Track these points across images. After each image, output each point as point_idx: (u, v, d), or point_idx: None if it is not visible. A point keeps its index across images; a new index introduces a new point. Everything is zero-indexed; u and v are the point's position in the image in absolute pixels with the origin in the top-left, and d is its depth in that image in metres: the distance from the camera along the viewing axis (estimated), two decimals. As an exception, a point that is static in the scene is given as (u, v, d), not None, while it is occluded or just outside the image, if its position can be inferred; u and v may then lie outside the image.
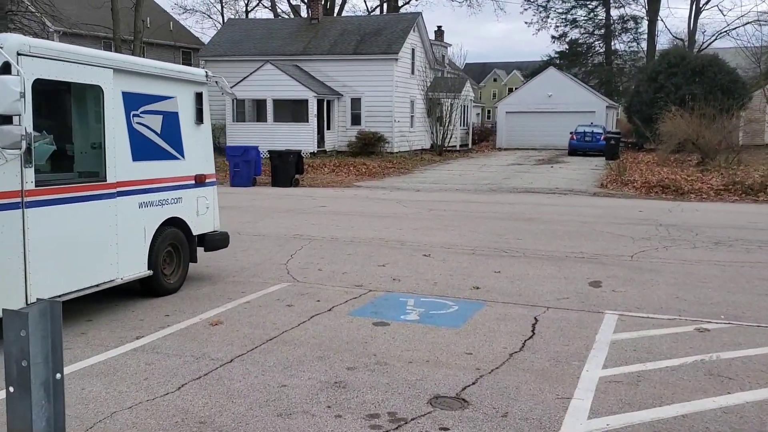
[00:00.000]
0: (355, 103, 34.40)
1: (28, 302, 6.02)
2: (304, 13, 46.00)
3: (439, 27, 46.42)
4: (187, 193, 8.29)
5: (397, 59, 33.89)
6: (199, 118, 8.48)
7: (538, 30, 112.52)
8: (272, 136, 31.44)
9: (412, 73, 36.66)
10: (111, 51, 38.76)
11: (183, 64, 46.46)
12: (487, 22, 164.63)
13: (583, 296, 8.22)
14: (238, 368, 5.63)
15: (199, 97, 8.46)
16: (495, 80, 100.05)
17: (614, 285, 8.80)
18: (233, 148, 22.34)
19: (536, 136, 46.32)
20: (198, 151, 8.50)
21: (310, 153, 31.31)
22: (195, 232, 8.51)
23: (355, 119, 34.44)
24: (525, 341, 6.47)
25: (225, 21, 47.58)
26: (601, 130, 39.49)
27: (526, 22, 73.21)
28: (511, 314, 7.38)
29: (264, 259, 10.20)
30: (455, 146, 39.79)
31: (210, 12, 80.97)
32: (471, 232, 12.83)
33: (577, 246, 11.50)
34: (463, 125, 42.94)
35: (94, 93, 6.94)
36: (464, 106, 41.52)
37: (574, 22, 63.56)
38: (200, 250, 8.92)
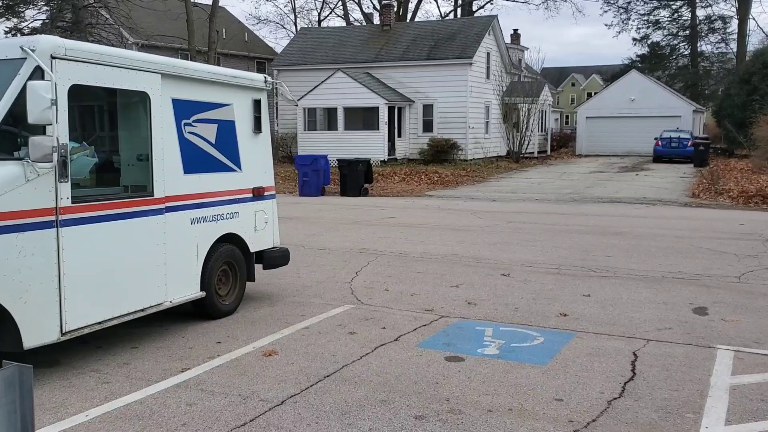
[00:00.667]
0: (427, 109, 33.61)
1: (63, 331, 5.46)
2: (377, 21, 45.58)
3: (515, 30, 45.14)
4: (244, 207, 7.66)
5: (471, 63, 32.93)
6: (257, 127, 7.85)
7: (619, 32, 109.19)
8: (343, 145, 30.99)
9: (488, 77, 35.60)
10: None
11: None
12: (563, 27, 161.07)
13: (687, 326, 7.13)
14: (289, 413, 4.88)
15: (257, 104, 7.83)
16: (573, 85, 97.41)
17: (723, 312, 7.66)
18: (302, 157, 21.90)
19: (618, 142, 44.37)
20: (256, 162, 7.87)
21: (381, 161, 30.70)
22: (253, 248, 7.87)
23: (427, 126, 33.64)
24: (625, 384, 5.49)
25: (298, 30, 47.68)
26: (688, 136, 37.36)
27: (606, 25, 70.13)
28: (605, 348, 6.39)
29: (327, 277, 9.50)
30: (533, 153, 38.43)
31: (283, 22, 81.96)
32: (554, 247, 11.79)
33: (674, 265, 10.31)
34: (541, 131, 41.51)
35: (141, 100, 6.38)
36: (542, 111, 40.11)
37: (656, 24, 61.00)
38: (258, 268, 8.28)
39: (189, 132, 6.85)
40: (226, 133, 7.41)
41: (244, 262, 7.74)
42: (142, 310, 6.28)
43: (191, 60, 36.41)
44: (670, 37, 61.52)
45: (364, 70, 34.01)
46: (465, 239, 12.63)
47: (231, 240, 7.57)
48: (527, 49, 46.25)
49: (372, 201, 19.66)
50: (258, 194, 7.90)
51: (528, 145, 36.58)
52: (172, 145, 6.60)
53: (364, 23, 48.70)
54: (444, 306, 7.95)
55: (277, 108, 36.89)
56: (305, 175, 21.23)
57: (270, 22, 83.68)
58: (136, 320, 6.52)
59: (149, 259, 6.30)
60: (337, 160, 22.34)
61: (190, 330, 6.98)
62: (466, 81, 32.97)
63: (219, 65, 40.14)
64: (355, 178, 21.10)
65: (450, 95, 33.04)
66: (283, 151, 34.40)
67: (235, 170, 7.53)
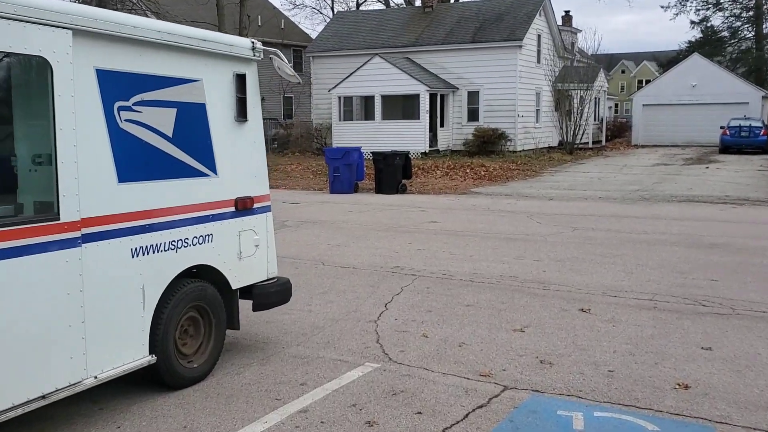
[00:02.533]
0: (473, 96, 31.02)
1: None
2: (418, 3, 43.00)
3: (567, 12, 42.13)
4: (221, 226, 5.38)
5: (521, 46, 30.21)
6: (242, 113, 5.55)
7: (676, 14, 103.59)
8: (381, 136, 28.65)
9: (538, 62, 32.81)
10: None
11: (293, 63, 44.77)
12: (611, 13, 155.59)
13: None
14: None
15: (241, 80, 5.53)
16: (623, 72, 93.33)
17: None
18: (333, 150, 19.62)
19: (678, 131, 41.04)
20: (240, 163, 5.58)
21: (421, 153, 28.28)
22: (236, 284, 5.59)
23: (473, 114, 31.06)
24: None
25: (334, 15, 45.41)
26: (760, 124, 34.01)
27: (662, 6, 66.22)
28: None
29: (347, 311, 7.19)
30: (587, 143, 35.49)
31: (320, 7, 79.68)
32: (639, 266, 9.27)
33: (811, 295, 7.73)
34: (596, 120, 38.52)
35: (39, 70, 4.14)
36: (596, 98, 37.11)
37: (717, 5, 57.09)
38: (247, 307, 6.02)
39: (127, 120, 4.58)
40: (192, 121, 5.13)
41: (221, 304, 5.47)
42: (42, 397, 4.05)
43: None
44: (732, 18, 57.58)
45: (404, 55, 31.57)
46: (524, 253, 10.17)
47: (202, 274, 5.31)
48: (580, 31, 43.17)
49: (410, 200, 17.27)
50: (244, 207, 5.61)
51: (583, 135, 33.70)
52: (95, 141, 4.34)
53: (404, 6, 46.14)
54: (507, 367, 5.56)
55: (311, 96, 34.73)
56: (336, 170, 18.96)
57: (306, 7, 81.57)
58: (118, 388, 4.32)
59: (50, 318, 4.05)
60: (371, 153, 20.01)
61: (134, 410, 4.74)
62: (515, 65, 30.27)
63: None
64: (392, 173, 18.74)
65: (497, 81, 30.39)
66: (318, 143, 32.25)
67: (206, 174, 5.25)
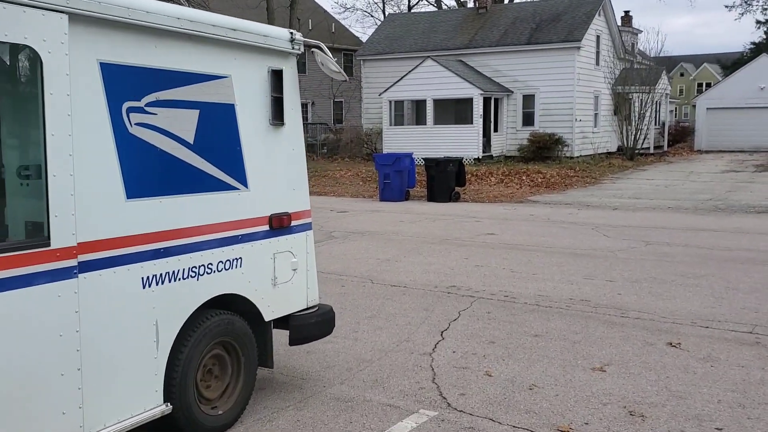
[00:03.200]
0: (528, 100, 29.86)
1: None
2: (471, 4, 41.98)
3: (627, 12, 40.41)
4: (253, 248, 4.60)
5: (579, 47, 28.94)
6: (278, 116, 4.76)
7: (742, 14, 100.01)
8: (432, 141, 27.76)
9: (597, 63, 31.44)
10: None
11: (344, 67, 44.29)
12: (671, 14, 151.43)
13: None
14: None
15: (277, 77, 4.74)
16: (682, 75, 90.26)
17: None
18: (383, 156, 18.82)
19: (744, 136, 38.99)
20: (276, 174, 4.80)
21: (475, 159, 27.29)
22: (269, 315, 4.80)
23: (528, 119, 29.90)
24: None
25: (385, 17, 44.72)
26: (837, 128, 31.92)
27: (726, 6, 63.55)
28: None
29: (398, 340, 6.34)
30: (648, 149, 33.88)
31: (371, 10, 79.16)
32: (729, 290, 8.17)
33: None
34: (656, 124, 36.85)
35: (28, 63, 3.42)
36: (658, 102, 35.47)
37: (786, 3, 54.42)
38: (282, 338, 5.23)
39: (139, 123, 3.84)
40: (218, 125, 4.37)
41: (252, 339, 4.68)
42: (24, 464, 3.31)
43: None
44: (802, 17, 54.84)
45: (457, 58, 30.63)
46: (594, 272, 9.16)
47: (229, 304, 4.54)
48: (641, 32, 41.40)
49: (464, 209, 16.33)
50: (280, 226, 4.82)
51: (644, 140, 32.17)
52: (97, 149, 3.60)
53: (457, 7, 45.13)
54: (589, 420, 4.63)
55: (362, 100, 34.07)
56: (386, 177, 18.15)
57: (357, 10, 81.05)
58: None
59: (36, 367, 3.31)
60: (423, 159, 19.15)
61: (145, 470, 3.98)
62: (573, 67, 29.01)
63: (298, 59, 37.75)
64: (445, 180, 17.84)
65: (554, 84, 29.18)
66: (368, 148, 31.55)
67: (234, 188, 4.47)
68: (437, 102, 28.72)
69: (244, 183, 4.56)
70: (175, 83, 4.07)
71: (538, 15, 31.32)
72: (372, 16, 66.27)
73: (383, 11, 50.21)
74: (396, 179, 18.10)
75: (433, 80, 28.32)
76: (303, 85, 39.14)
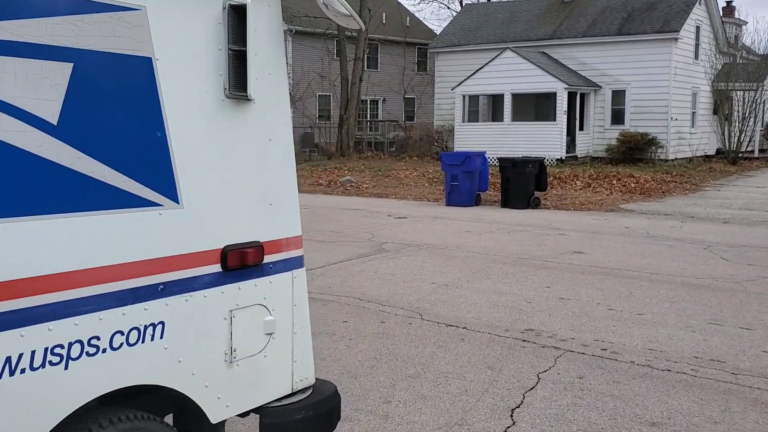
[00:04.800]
0: (617, 96, 27.09)
1: None
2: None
3: (729, 2, 36.80)
4: (186, 305, 2.67)
5: (676, 39, 25.99)
6: (240, 84, 2.82)
7: None
8: (509, 139, 25.43)
9: (696, 57, 28.34)
10: (335, 48, 35.56)
11: (418, 62, 42.30)
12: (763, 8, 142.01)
13: None
14: None
15: (239, 17, 2.80)
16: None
17: None
18: (450, 155, 16.72)
19: None
20: (236, 180, 2.86)
21: (557, 160, 24.81)
22: (221, 413, 2.84)
23: (617, 117, 27.13)
24: None
25: (462, 7, 42.42)
26: None
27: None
28: None
29: (446, 423, 4.31)
30: (752, 152, 30.43)
31: (448, 1, 76.68)
32: None
33: None
34: (762, 125, 33.21)
35: None
36: (765, 101, 31.91)
37: None
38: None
39: None
40: (117, 93, 2.46)
41: (183, 459, 2.77)
42: None
43: (338, 46, 32.56)
44: None
45: (539, 49, 28.15)
46: (721, 314, 6.85)
47: (142, 402, 2.64)
48: (745, 23, 37.70)
49: (545, 217, 14.08)
50: (242, 264, 2.88)
51: (748, 142, 28.85)
52: None
53: None
54: None
55: (434, 95, 32.01)
56: (454, 179, 16.05)
57: (432, 1, 78.56)
58: None
59: None
60: (498, 159, 16.95)
61: None
62: (670, 61, 26.08)
63: (366, 52, 35.96)
64: (523, 183, 15.60)
65: (647, 79, 26.31)
66: (438, 146, 29.47)
67: (150, 204, 2.55)
68: (516, 97, 26.36)
69: (171, 195, 2.64)
70: (17, 10, 2.19)
71: (630, 3, 28.45)
72: (449, 7, 63.79)
73: (460, 2, 47.89)
74: (465, 181, 15.98)
75: (511, 73, 25.97)
76: (373, 80, 37.46)
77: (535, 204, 15.63)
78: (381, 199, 17.49)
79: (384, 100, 41.26)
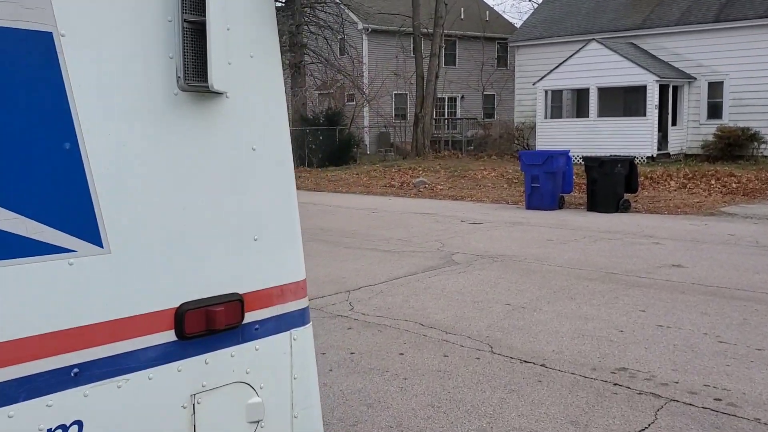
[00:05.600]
0: (714, 88, 25.01)
1: None
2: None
3: (840, -18, 33.68)
4: (119, 392, 1.84)
5: (782, 24, 23.75)
6: (197, 71, 1.96)
7: None
8: (595, 137, 23.86)
9: (804, 43, 25.87)
10: (411, 45, 34.61)
11: (498, 57, 40.89)
12: None
13: None
14: None
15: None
16: None
17: None
18: (530, 155, 15.53)
19: None
20: (199, 206, 2.01)
21: (647, 158, 23.08)
22: None
23: (714, 111, 25.04)
24: None
25: None
26: None
27: None
28: None
29: None
30: None
31: (528, -7, 74.34)
32: None
33: None
34: None
35: None
36: None
37: None
38: None
39: None
40: (-9, 84, 1.64)
41: None
42: None
43: (414, 41, 31.57)
44: None
45: (627, 40, 26.37)
46: None
47: None
48: None
49: (636, 223, 12.73)
50: (209, 328, 2.02)
51: None
52: None
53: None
54: None
55: (514, 91, 30.65)
56: (534, 180, 14.87)
57: (512, -6, 76.44)
58: None
59: None
60: (582, 158, 15.63)
61: None
62: (775, 48, 23.86)
63: (443, 46, 34.83)
64: (611, 184, 14.26)
65: (748, 69, 24.12)
66: (518, 144, 28.13)
67: (56, 250, 1.73)
68: (602, 91, 24.72)
69: (89, 234, 1.80)
70: None
71: (729, -13, 26.28)
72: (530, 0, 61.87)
73: (542, -6, 46.02)
74: (547, 183, 14.77)
75: (598, 65, 24.37)
76: (451, 77, 36.36)
77: (625, 207, 14.26)
78: (455, 201, 16.48)
79: (462, 97, 40.07)
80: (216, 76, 1.96)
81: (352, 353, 5.57)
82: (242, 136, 2.11)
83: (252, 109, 2.14)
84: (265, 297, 2.20)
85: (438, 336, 6.01)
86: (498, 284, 7.91)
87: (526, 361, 5.39)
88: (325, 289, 7.68)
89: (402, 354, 5.58)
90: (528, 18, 32.54)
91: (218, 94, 2.02)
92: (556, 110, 26.64)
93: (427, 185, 19.46)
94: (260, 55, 2.14)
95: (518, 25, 39.63)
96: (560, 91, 26.34)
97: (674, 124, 25.08)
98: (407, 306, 7.00)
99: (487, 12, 44.93)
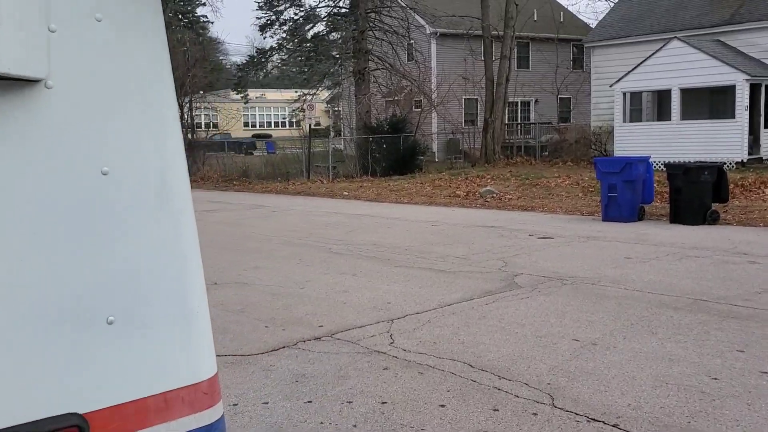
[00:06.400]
0: (813, 87, 22.93)
1: None
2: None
3: None
4: None
5: None
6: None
7: None
8: (678, 141, 22.22)
9: None
10: (481, 48, 33.44)
11: (573, 59, 39.27)
12: None
13: None
14: None
15: None
16: None
17: None
18: (607, 162, 14.26)
19: None
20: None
21: (737, 163, 21.30)
22: None
23: (812, 111, 22.95)
24: None
25: (622, -2, 38.72)
26: None
27: None
28: None
29: None
30: None
31: (604, -6, 71.69)
32: None
33: None
34: None
35: None
36: None
37: None
38: None
39: None
40: None
41: None
42: None
43: (485, 43, 30.37)
44: None
45: (713, 38, 24.55)
46: None
47: None
48: None
49: (727, 237, 11.34)
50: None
51: None
52: None
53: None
54: None
55: (590, 94, 29.09)
56: (611, 189, 13.61)
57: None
58: None
59: None
60: (664, 164, 14.24)
61: None
62: None
63: (514, 48, 33.51)
64: (697, 193, 12.87)
65: None
66: (595, 149, 26.60)
67: None
68: (685, 92, 23.02)
69: None
70: None
71: (828, -25, 24.11)
72: None
73: (619, -8, 43.99)
74: (625, 192, 13.48)
75: (680, 65, 22.68)
76: (523, 80, 35.05)
77: (713, 219, 12.83)
78: (525, 212, 15.34)
79: (536, 101, 38.62)
80: (13, 51, 1.12)
81: (383, 403, 4.68)
82: (80, 152, 1.27)
83: (103, 108, 1.29)
84: (132, 415, 1.34)
85: (489, 382, 5.04)
86: (566, 313, 6.85)
87: (594, 419, 4.37)
88: (364, 317, 6.81)
89: (443, 406, 4.65)
90: (604, 17, 30.95)
91: (25, 81, 1.18)
92: (635, 113, 25.06)
93: (494, 195, 18.37)
94: (118, 16, 1.29)
95: (593, 26, 37.88)
96: (639, 93, 24.77)
97: (766, 126, 23.12)
98: (457, 340, 6.05)
99: (561, 12, 43.25)
